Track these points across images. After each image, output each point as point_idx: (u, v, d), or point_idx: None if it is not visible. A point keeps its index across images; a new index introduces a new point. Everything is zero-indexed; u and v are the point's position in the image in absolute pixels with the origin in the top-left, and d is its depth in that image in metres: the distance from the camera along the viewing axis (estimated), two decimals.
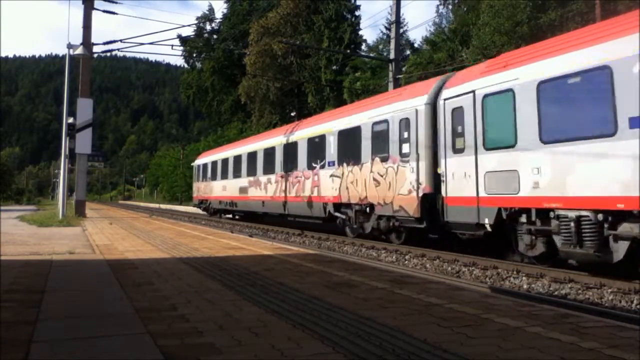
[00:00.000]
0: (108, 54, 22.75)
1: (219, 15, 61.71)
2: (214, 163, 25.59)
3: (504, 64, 8.94)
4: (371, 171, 12.13)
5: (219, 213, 26.05)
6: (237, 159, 21.89)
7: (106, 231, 11.86)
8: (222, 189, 23.75)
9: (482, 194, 8.95)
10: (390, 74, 20.93)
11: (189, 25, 49.03)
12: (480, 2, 25.33)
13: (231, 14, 57.21)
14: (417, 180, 10.61)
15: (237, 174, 21.65)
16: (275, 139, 18.16)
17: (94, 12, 19.90)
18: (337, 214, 14.02)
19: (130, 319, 3.26)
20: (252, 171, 19.74)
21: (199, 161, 29.26)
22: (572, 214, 7.29)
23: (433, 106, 10.58)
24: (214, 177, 25.39)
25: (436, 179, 10.29)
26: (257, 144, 19.97)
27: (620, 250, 6.70)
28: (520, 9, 21.83)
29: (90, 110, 19.14)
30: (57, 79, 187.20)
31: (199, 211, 40.26)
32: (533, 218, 8.13)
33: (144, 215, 26.30)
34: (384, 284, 4.74)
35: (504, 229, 8.81)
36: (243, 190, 20.68)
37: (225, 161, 23.59)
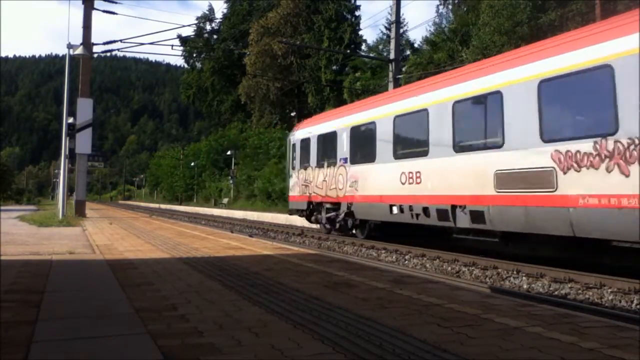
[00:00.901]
0: (108, 54, 22.76)
1: (219, 15, 61.87)
2: (364, 129, 12.83)
3: None
4: None
5: (370, 229, 13.34)
6: (489, 101, 9.12)
7: (106, 231, 11.86)
8: (404, 180, 11.03)
9: None
10: (390, 74, 20.95)
11: (189, 25, 49.22)
12: (480, 2, 25.36)
13: (231, 14, 57.31)
14: None
15: (486, 138, 9.16)
16: None
17: (94, 12, 19.92)
18: None
19: (130, 319, 3.26)
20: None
21: (307, 131, 15.84)
22: None
23: None
24: (364, 157, 12.67)
25: None
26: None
27: None
28: (520, 9, 21.86)
29: (90, 110, 19.15)
30: (57, 79, 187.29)
31: (205, 211, 40.21)
32: None
33: (144, 215, 26.31)
34: (384, 284, 4.74)
35: None
36: (535, 178, 8.07)
37: (412, 119, 11.09)
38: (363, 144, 12.84)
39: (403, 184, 11.12)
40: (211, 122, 69.34)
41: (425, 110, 10.53)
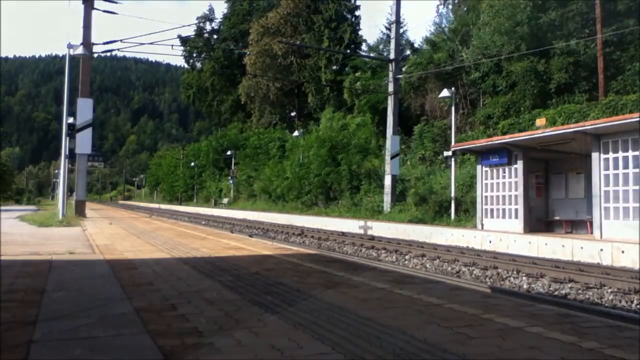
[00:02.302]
0: (108, 54, 22.75)
1: (219, 15, 61.86)
2: None
3: None
4: None
5: None
6: None
7: (106, 231, 11.86)
8: None
9: None
10: (391, 74, 20.94)
11: (189, 25, 49.21)
12: (480, 2, 25.34)
13: (231, 14, 57.32)
14: None
15: None
16: None
17: (94, 12, 19.91)
18: None
19: (130, 319, 3.26)
20: None
21: None
22: None
23: None
24: None
25: None
26: None
27: None
28: (520, 9, 21.84)
29: (90, 110, 19.14)
30: (57, 79, 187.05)
31: (206, 211, 40.46)
32: None
33: (144, 215, 26.30)
34: (384, 284, 4.74)
35: None
36: None
37: None
38: None
39: None
40: (211, 122, 69.32)
41: None
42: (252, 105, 49.58)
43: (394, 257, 11.05)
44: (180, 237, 10.35)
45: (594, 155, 11.47)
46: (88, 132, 18.64)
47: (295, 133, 34.94)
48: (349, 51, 40.50)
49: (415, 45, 36.42)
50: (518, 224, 13.32)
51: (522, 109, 21.66)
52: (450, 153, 17.44)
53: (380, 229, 16.94)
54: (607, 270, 8.05)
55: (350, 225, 18.80)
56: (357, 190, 24.98)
